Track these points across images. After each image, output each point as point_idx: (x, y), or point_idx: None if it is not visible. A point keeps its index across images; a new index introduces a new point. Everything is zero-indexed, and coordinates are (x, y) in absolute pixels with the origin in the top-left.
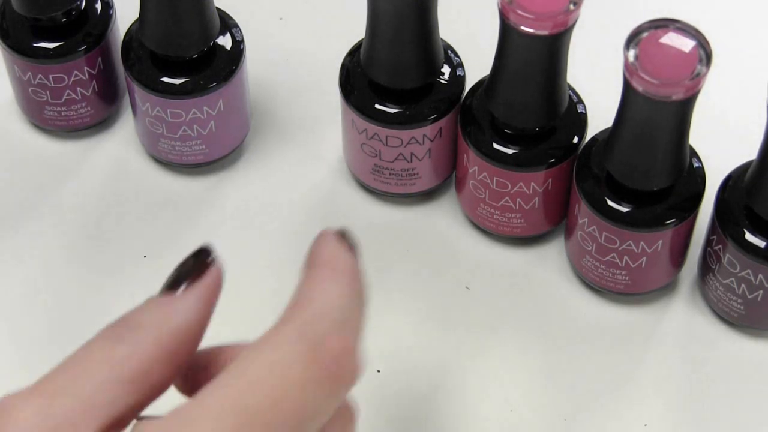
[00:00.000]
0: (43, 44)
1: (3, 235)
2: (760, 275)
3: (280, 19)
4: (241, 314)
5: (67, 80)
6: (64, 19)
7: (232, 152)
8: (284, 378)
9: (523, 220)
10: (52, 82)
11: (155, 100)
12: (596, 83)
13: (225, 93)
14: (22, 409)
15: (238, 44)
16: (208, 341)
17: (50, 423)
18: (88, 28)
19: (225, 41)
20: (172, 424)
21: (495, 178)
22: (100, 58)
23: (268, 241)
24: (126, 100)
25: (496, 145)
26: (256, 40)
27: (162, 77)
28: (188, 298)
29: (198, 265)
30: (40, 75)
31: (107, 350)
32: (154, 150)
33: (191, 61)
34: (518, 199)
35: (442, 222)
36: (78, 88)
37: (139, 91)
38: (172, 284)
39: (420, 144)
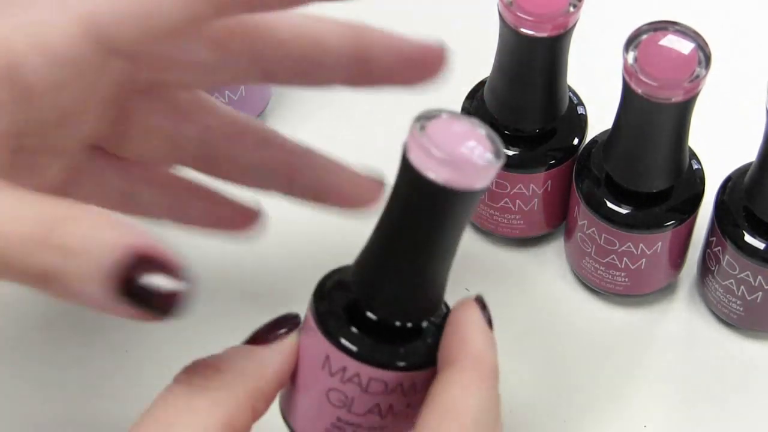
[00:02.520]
0: None
1: None
2: (760, 277)
3: None
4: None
5: None
6: None
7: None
8: None
9: (522, 222)
10: None
11: None
12: (596, 85)
13: None
14: None
15: None
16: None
17: None
18: None
19: None
20: None
21: (494, 179)
22: None
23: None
24: None
25: None
26: None
27: None
28: (281, 347)
29: (285, 322)
30: None
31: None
32: None
33: None
34: (517, 201)
35: None
36: None
37: None
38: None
39: None
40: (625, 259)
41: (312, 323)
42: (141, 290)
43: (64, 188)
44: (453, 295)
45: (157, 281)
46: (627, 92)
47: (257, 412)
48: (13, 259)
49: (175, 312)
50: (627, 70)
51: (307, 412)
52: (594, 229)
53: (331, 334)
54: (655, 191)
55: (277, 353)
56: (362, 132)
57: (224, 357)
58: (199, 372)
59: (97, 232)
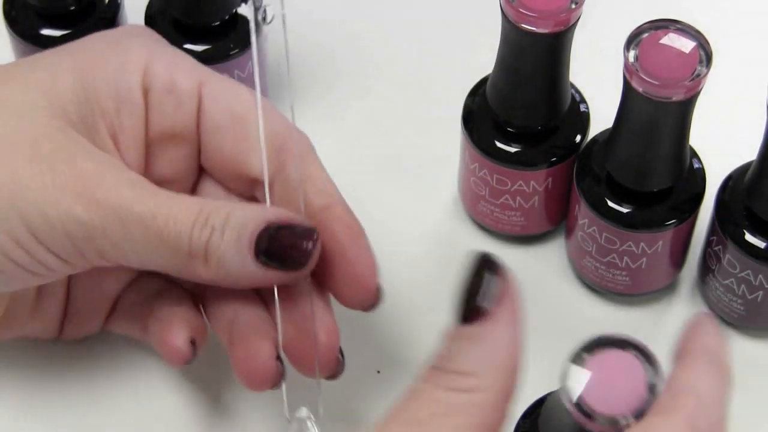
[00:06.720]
0: (61, 32)
1: None
2: (760, 276)
3: None
4: None
5: None
6: (72, 7)
7: None
8: None
9: (522, 219)
10: None
11: None
12: (599, 83)
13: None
14: None
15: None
16: None
17: None
18: (99, 13)
19: (246, 9)
20: None
21: (495, 176)
22: None
23: None
24: None
25: (497, 143)
26: None
27: (187, 45)
28: (503, 325)
29: (491, 280)
30: None
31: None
32: None
33: (215, 28)
34: (518, 197)
35: (443, 221)
36: None
37: None
38: (474, 311)
39: None
40: (625, 258)
41: None
42: (280, 252)
43: None
44: (452, 293)
45: (293, 241)
46: (628, 91)
47: (506, 411)
48: (181, 240)
49: (309, 263)
50: (628, 68)
51: None
52: (595, 227)
53: None
54: (655, 190)
55: (506, 333)
56: (360, 132)
57: (465, 357)
58: (447, 374)
59: (242, 212)
